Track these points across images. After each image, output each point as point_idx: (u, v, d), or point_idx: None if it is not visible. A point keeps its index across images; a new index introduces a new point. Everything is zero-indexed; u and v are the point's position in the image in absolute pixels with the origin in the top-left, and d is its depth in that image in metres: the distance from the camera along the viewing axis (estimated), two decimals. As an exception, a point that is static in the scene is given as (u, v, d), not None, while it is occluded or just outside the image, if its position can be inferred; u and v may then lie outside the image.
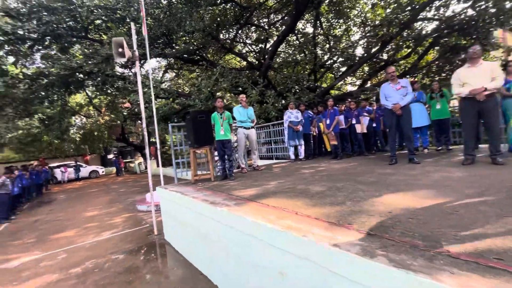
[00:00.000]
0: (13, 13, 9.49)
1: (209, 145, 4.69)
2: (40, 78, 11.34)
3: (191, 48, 11.82)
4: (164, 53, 11.64)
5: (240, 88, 10.13)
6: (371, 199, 2.35)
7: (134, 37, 4.75)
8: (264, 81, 10.28)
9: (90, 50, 10.77)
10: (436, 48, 10.22)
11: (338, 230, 1.69)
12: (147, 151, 5.23)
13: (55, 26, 10.02)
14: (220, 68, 9.89)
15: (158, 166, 18.61)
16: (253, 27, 13.95)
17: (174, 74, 18.51)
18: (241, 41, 14.25)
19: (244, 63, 14.59)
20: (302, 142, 6.32)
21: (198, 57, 12.67)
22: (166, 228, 4.71)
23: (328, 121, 5.77)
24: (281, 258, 1.84)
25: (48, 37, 10.76)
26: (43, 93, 11.85)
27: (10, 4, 9.60)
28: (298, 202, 2.52)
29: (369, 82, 12.77)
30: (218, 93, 10.06)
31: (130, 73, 13.58)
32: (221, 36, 12.47)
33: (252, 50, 14.82)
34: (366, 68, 12.97)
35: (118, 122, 22.12)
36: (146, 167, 21.37)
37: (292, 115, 6.29)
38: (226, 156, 4.66)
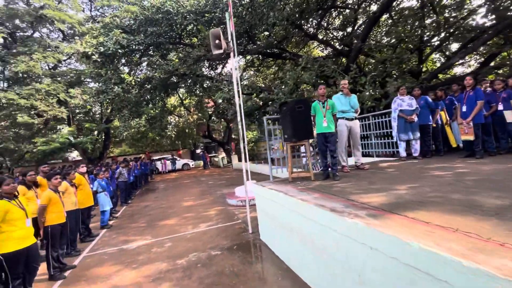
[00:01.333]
0: (127, 29, 11.20)
1: (309, 139, 4.13)
2: (146, 83, 13.20)
3: (273, 41, 11.54)
4: (246, 50, 11.76)
5: (328, 77, 9.22)
6: None
7: (229, 27, 4.61)
8: (355, 67, 9.06)
9: (184, 54, 11.82)
10: None
11: None
12: (241, 146, 5.07)
13: (157, 36, 11.38)
14: (305, 58, 9.22)
15: (239, 160, 19.27)
16: (335, 12, 12.65)
17: (252, 72, 18.90)
18: (325, 27, 13.14)
19: (327, 51, 13.46)
20: (418, 136, 5.06)
21: (279, 50, 12.30)
22: (262, 227, 4.43)
23: (464, 108, 4.36)
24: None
25: (151, 47, 12.35)
26: (148, 97, 13.80)
27: (125, 22, 11.37)
28: (471, 220, 1.67)
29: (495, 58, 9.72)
30: (303, 85, 9.47)
31: (215, 73, 14.43)
32: (304, 24, 11.73)
33: (336, 36, 13.52)
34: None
35: (204, 120, 24.31)
36: (228, 162, 22.77)
37: (404, 102, 5.09)
38: (329, 152, 4.01)
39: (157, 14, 10.87)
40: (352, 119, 4.54)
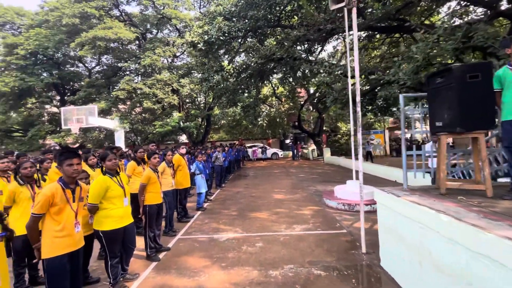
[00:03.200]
0: (229, 16, 11.33)
1: (488, 129, 2.53)
2: (243, 72, 13.30)
3: (391, 10, 9.25)
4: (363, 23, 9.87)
5: (477, 48, 6.51)
6: None
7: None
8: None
9: (281, 36, 11.11)
10: None
11: None
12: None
13: (255, 20, 11.05)
14: (443, 24, 6.79)
15: (333, 154, 17.44)
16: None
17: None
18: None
19: (473, 15, 9.93)
20: None
21: (398, 21, 9.83)
22: (385, 251, 3.16)
23: None
24: None
25: (250, 33, 12.18)
26: (243, 86, 13.94)
27: (227, 9, 11.55)
28: None
29: None
30: (438, 59, 7.09)
31: (314, 57, 13.13)
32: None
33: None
34: None
35: (295, 110, 23.50)
36: (318, 154, 21.29)
37: None
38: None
39: (257, -5, 10.45)
40: None
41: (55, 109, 21.20)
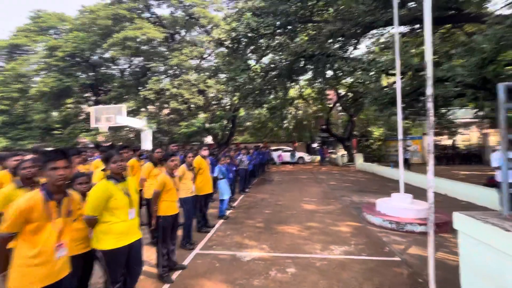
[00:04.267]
0: (258, 12, 10.77)
1: None
2: (271, 71, 12.66)
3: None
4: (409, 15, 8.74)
5: None
6: None
7: None
8: None
9: (314, 31, 10.30)
10: None
11: None
12: (429, 140, 2.99)
13: (286, 15, 10.37)
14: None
15: (366, 161, 16.08)
16: None
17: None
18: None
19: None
20: None
21: (454, 10, 8.56)
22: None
23: None
24: None
25: (280, 29, 11.51)
26: (270, 86, 13.29)
27: (257, 4, 11.01)
28: None
29: None
30: (507, 52, 5.87)
31: (348, 54, 12.11)
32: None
33: None
34: None
35: (323, 113, 22.38)
36: (348, 161, 19.92)
37: None
38: None
39: (288, -12, 9.77)
40: None
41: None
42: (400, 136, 5.51)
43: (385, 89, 8.83)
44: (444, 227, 4.58)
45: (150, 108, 19.58)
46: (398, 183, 5.44)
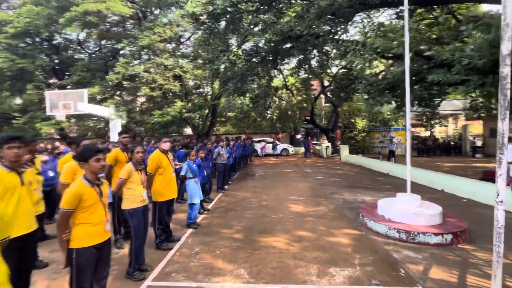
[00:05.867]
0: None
1: None
2: (253, 54, 11.42)
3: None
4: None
5: None
6: None
7: None
8: None
9: (303, 7, 9.14)
10: None
11: None
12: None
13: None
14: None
15: (351, 153, 15.34)
16: None
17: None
18: None
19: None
20: None
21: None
22: None
23: None
24: None
25: (262, 7, 10.23)
26: (253, 72, 12.05)
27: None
28: None
29: None
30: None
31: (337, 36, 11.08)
32: None
33: None
34: None
35: (306, 103, 21.60)
36: (333, 152, 19.33)
37: None
38: None
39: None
40: None
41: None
42: (408, 126, 4.62)
43: (382, 73, 7.96)
44: (463, 236, 3.77)
45: (123, 95, 17.67)
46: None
